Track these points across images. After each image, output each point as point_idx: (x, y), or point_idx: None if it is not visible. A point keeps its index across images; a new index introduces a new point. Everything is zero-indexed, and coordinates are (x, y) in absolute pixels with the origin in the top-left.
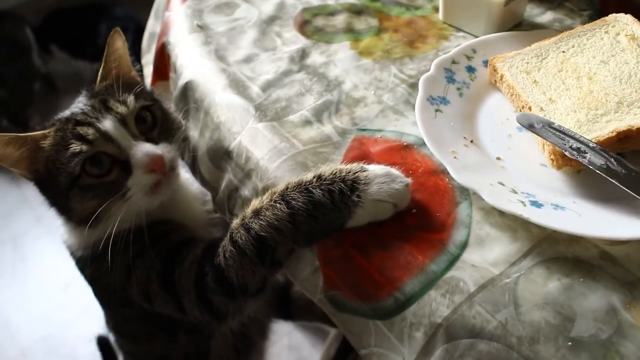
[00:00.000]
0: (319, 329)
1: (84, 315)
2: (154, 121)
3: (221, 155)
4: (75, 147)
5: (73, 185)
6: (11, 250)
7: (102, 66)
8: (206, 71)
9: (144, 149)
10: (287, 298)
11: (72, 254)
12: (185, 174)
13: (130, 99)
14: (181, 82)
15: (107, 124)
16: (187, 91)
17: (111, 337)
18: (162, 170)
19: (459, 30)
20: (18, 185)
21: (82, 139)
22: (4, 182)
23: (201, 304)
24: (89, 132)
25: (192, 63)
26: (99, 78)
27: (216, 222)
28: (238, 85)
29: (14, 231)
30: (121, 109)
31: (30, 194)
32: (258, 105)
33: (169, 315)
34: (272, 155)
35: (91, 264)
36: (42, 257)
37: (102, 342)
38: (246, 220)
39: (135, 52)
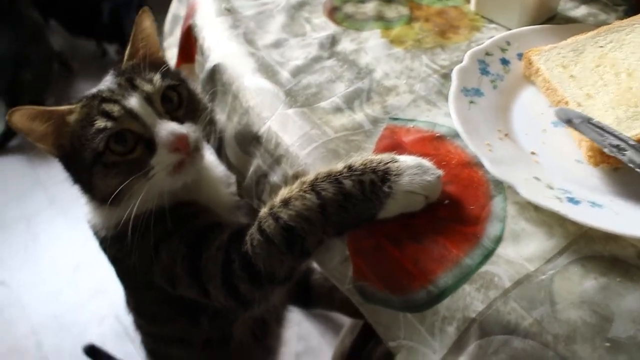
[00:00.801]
0: (329, 319)
1: (95, 297)
2: (180, 101)
3: (249, 140)
4: (100, 123)
5: (96, 162)
6: (24, 230)
7: (129, 45)
8: (234, 54)
9: (169, 128)
10: (307, 286)
11: (96, 233)
12: (210, 156)
13: (157, 77)
14: (209, 64)
15: (133, 101)
16: (214, 74)
17: (130, 318)
18: (187, 150)
19: (491, 22)
20: (33, 166)
21: (107, 115)
22: (20, 163)
23: (227, 290)
24: (114, 109)
25: (220, 46)
26: (126, 57)
27: (241, 205)
28: (267, 70)
29: (28, 211)
30: (147, 87)
31: (44, 175)
32: (288, 91)
33: (192, 299)
34: (302, 142)
35: (114, 245)
36: (55, 237)
37: (91, 352)
38: (275, 209)
39: None
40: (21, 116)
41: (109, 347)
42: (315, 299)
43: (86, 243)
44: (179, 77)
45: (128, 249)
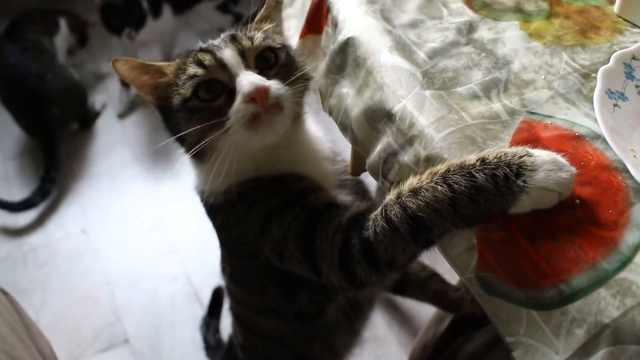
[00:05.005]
0: (398, 310)
1: (168, 256)
2: (276, 62)
3: (381, 116)
4: (192, 70)
5: (182, 107)
6: (108, 183)
7: (259, 13)
8: (371, 30)
9: (250, 78)
10: (403, 273)
11: (204, 201)
12: (317, 132)
13: (258, 36)
14: (342, 37)
15: (226, 52)
16: (347, 47)
17: (223, 283)
18: (264, 103)
19: (635, 26)
20: (122, 125)
21: (199, 64)
22: (110, 120)
23: (343, 272)
24: (207, 57)
25: (356, 20)
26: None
27: (346, 184)
28: (404, 49)
29: (112, 165)
30: (245, 42)
31: (132, 134)
32: (425, 72)
33: (294, 274)
34: (438, 125)
35: (222, 212)
36: (135, 194)
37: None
38: (403, 198)
39: None
40: (123, 64)
41: (178, 307)
42: (409, 287)
43: (164, 204)
44: (282, 42)
45: (237, 219)
